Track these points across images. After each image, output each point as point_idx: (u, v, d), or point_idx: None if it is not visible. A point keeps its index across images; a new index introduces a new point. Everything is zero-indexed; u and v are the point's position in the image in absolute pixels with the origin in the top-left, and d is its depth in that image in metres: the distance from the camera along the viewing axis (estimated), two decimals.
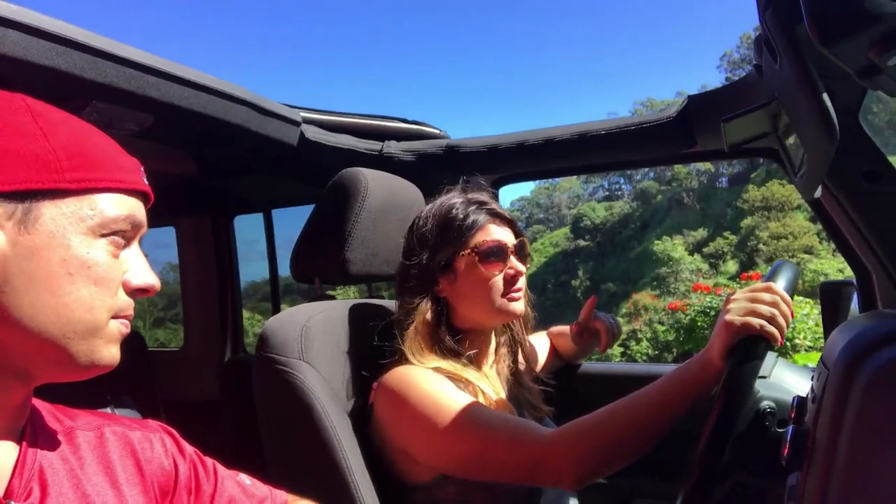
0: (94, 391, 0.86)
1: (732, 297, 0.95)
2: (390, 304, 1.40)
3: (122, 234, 0.66)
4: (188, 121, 1.36)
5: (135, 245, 0.69)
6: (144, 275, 0.68)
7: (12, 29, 0.99)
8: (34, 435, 0.66)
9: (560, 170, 1.72)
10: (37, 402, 0.70)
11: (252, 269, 2.62)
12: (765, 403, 0.87)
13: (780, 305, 0.91)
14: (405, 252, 1.26)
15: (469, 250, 1.21)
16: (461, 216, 1.22)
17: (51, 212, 0.61)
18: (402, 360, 1.18)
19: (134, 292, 0.67)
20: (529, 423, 1.11)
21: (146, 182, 0.70)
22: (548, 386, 1.37)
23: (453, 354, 1.21)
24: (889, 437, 0.56)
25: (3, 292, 0.59)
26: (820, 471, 0.61)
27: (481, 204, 1.25)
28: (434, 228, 1.23)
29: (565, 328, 1.61)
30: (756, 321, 0.89)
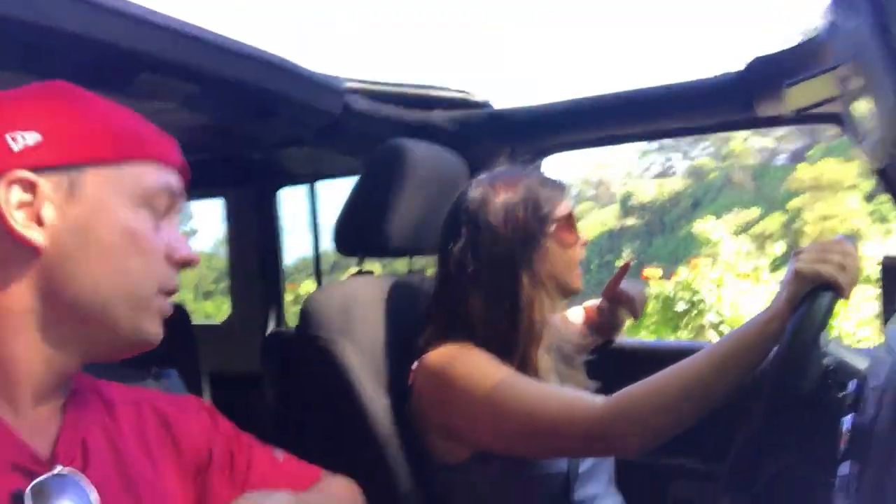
0: (138, 364, 0.87)
1: (803, 249, 0.94)
2: (433, 280, 1.38)
3: (162, 206, 0.67)
4: (234, 91, 1.35)
5: (174, 218, 0.69)
6: (186, 247, 0.68)
7: (66, 0, 0.97)
8: (76, 407, 0.68)
9: (610, 137, 1.65)
10: (79, 376, 0.71)
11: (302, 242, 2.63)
12: (829, 359, 0.84)
13: (850, 258, 0.89)
14: (477, 233, 1.17)
15: (559, 219, 1.18)
16: (541, 187, 1.18)
17: (95, 180, 0.62)
18: (444, 339, 1.15)
19: (177, 264, 0.67)
20: (581, 392, 1.09)
21: (182, 158, 0.71)
22: (590, 362, 1.34)
23: (513, 334, 1.16)
24: None
25: (58, 265, 0.61)
26: (878, 465, 0.57)
27: (553, 180, 1.23)
28: (523, 206, 1.16)
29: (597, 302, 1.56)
30: (827, 269, 0.88)
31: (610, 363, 1.41)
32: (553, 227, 1.17)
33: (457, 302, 1.17)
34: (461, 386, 1.07)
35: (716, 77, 1.40)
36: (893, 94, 0.74)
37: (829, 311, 0.86)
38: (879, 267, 1.17)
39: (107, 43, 1.05)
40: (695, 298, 5.69)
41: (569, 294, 1.23)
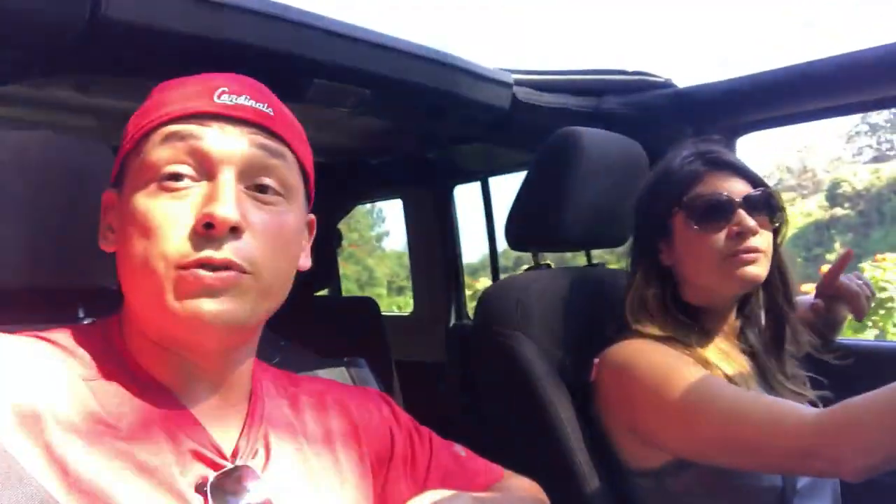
0: (329, 352, 0.90)
1: None
2: (613, 272, 1.32)
3: (185, 170, 0.60)
4: (405, 92, 1.38)
5: (219, 178, 0.60)
6: (209, 206, 0.58)
7: (242, 13, 1.03)
8: (260, 400, 0.69)
9: (814, 112, 1.45)
10: (264, 368, 0.73)
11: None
12: None
13: None
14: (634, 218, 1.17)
15: (681, 205, 1.07)
16: (675, 168, 1.09)
17: (126, 176, 0.63)
18: (628, 334, 1.08)
19: (204, 229, 0.58)
20: (791, 403, 0.95)
21: (227, 102, 0.62)
22: (813, 368, 1.17)
23: (685, 329, 1.08)
24: None
25: (117, 266, 0.64)
26: None
27: (702, 153, 1.09)
28: (649, 187, 1.12)
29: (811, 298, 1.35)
30: None
31: (835, 369, 1.23)
32: (676, 216, 1.07)
33: (633, 293, 1.12)
34: (648, 384, 0.99)
35: None
36: None
37: None
38: None
39: (280, 52, 1.10)
40: (882, 296, 5.13)
41: (734, 284, 1.07)
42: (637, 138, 1.37)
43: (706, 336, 1.09)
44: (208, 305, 0.58)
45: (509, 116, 1.57)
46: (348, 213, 2.91)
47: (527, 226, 1.32)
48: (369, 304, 2.36)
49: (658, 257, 1.11)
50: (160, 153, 0.60)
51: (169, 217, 0.58)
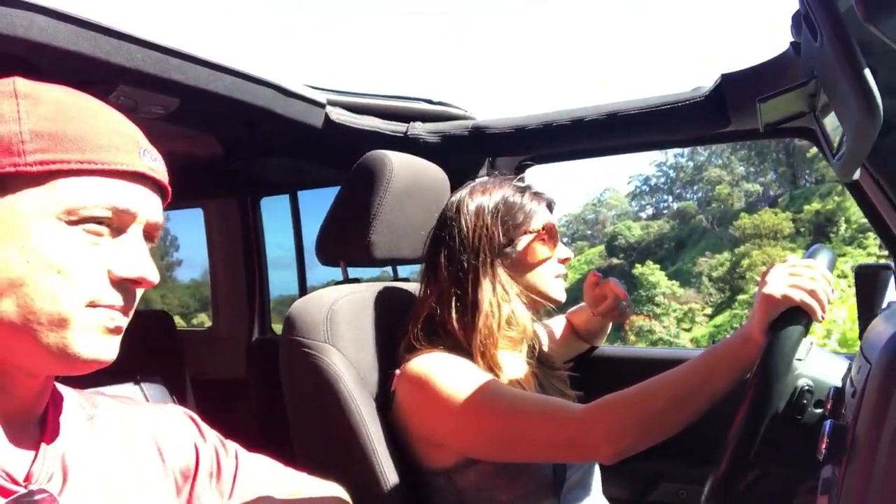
0: (122, 370, 0.87)
1: (770, 270, 0.91)
2: (416, 287, 1.39)
3: (105, 221, 0.61)
4: (214, 104, 1.37)
5: (132, 232, 0.63)
6: (133, 265, 0.62)
7: (39, 14, 0.99)
8: (56, 421, 0.66)
9: (588, 150, 1.68)
10: (61, 388, 0.70)
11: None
12: (803, 381, 0.84)
13: (820, 280, 0.87)
14: (452, 241, 1.20)
15: (534, 231, 1.20)
16: (521, 201, 1.22)
17: (12, 199, 0.58)
18: (425, 346, 1.15)
19: (122, 282, 0.61)
20: (561, 400, 1.09)
21: (150, 163, 0.64)
22: (573, 371, 1.34)
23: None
24: None
25: None
26: (861, 468, 0.58)
27: (528, 188, 1.25)
28: (493, 214, 1.20)
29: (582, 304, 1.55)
30: (797, 294, 0.86)
31: (593, 371, 1.40)
32: (524, 238, 1.20)
33: (433, 308, 1.19)
34: (442, 394, 1.07)
35: (691, 91, 1.43)
36: (857, 111, 0.76)
37: (800, 336, 0.85)
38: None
39: (83, 55, 1.06)
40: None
41: (551, 301, 1.24)
42: (440, 164, 1.48)
43: (480, 344, 1.18)
44: (107, 342, 0.62)
45: (321, 134, 1.61)
46: None
47: (337, 242, 1.36)
48: (163, 320, 2.23)
49: (493, 276, 1.18)
50: (82, 201, 0.59)
51: (86, 261, 0.60)
